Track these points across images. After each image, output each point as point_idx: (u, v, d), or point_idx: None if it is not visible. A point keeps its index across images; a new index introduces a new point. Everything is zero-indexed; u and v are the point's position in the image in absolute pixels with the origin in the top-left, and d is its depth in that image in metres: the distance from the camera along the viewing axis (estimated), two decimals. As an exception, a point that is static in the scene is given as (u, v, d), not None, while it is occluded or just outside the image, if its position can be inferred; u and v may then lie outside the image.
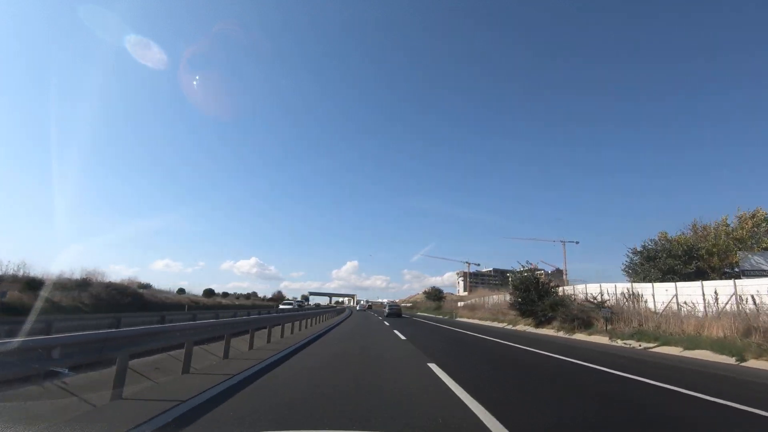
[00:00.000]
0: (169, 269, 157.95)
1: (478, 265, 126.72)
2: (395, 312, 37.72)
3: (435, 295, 68.36)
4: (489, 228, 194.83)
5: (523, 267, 25.05)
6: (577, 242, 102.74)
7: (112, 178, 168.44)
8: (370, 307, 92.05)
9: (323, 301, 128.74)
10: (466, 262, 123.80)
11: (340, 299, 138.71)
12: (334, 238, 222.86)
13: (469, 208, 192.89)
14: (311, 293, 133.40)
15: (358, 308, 77.49)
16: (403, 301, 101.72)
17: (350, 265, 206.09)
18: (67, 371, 3.79)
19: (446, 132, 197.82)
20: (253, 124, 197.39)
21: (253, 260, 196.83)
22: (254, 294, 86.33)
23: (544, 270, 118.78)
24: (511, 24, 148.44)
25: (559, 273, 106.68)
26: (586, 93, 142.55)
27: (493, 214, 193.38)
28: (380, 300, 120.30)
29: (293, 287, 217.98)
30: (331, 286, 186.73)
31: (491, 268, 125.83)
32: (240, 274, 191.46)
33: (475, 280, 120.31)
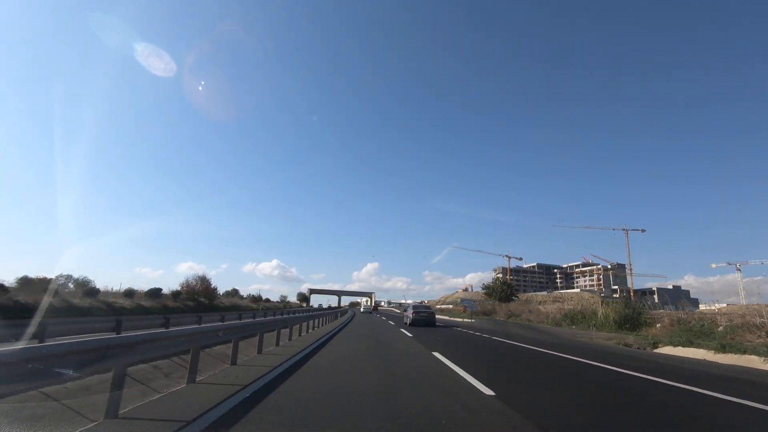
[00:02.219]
0: (193, 271, 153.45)
1: (520, 259, 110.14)
2: (424, 318, 23.53)
3: (503, 291, 55.46)
4: (520, 227, 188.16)
5: None
6: (643, 230, 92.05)
7: (123, 180, 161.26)
8: (376, 308, 78.43)
9: (332, 300, 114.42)
10: (506, 256, 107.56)
11: (357, 299, 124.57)
12: (354, 240, 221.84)
13: (491, 210, 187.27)
14: (312, 290, 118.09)
15: (362, 310, 65.16)
16: (438, 302, 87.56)
17: (370, 266, 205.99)
18: (70, 372, 3.55)
19: (455, 139, 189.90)
20: (264, 127, 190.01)
21: (274, 262, 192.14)
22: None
23: (600, 265, 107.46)
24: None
25: (621, 269, 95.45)
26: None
27: (514, 215, 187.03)
28: (405, 300, 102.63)
29: (314, 289, 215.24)
30: (351, 288, 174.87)
31: (534, 263, 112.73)
32: (262, 276, 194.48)
33: (516, 277, 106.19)
